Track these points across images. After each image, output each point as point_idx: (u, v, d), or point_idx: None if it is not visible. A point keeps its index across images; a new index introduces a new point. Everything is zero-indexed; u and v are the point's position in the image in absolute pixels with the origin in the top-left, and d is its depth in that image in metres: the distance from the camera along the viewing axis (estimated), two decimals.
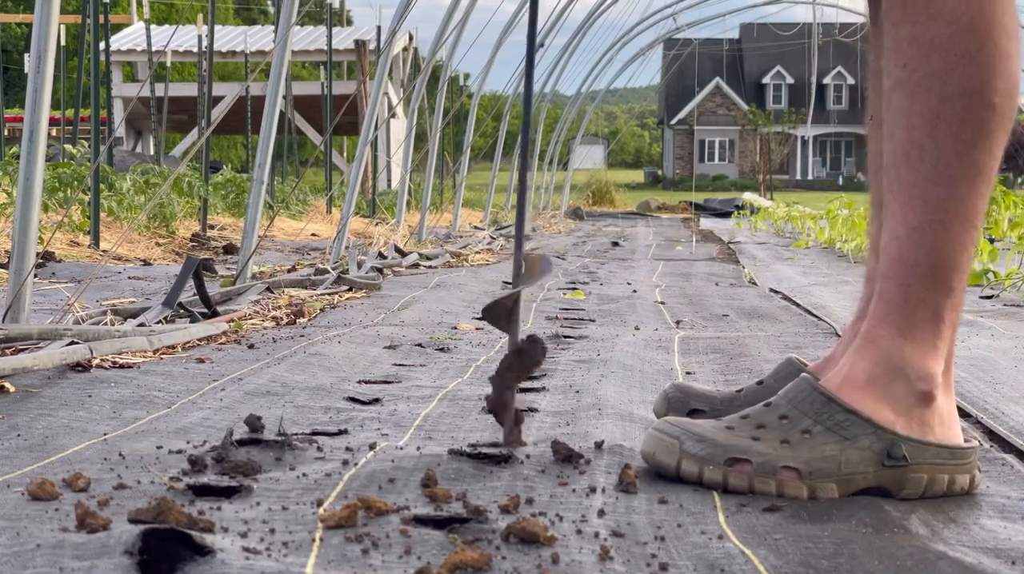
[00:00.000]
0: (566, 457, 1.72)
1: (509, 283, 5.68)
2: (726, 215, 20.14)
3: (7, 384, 2.32)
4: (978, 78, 1.64)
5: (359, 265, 5.85)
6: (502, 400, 1.78)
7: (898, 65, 1.68)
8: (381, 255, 6.97)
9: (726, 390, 2.02)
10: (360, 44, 19.18)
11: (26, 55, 18.97)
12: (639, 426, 2.07)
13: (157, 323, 3.39)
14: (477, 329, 3.67)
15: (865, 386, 1.68)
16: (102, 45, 8.02)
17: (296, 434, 1.88)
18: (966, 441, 1.70)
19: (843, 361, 1.74)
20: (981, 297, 5.09)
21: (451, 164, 16.35)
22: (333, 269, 5.48)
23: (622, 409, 2.24)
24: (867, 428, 1.64)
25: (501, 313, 1.81)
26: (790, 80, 58.33)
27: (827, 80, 57.61)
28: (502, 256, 8.36)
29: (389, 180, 19.98)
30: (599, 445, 1.82)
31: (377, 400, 2.33)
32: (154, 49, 14.55)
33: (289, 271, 5.75)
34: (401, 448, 1.80)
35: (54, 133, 13.73)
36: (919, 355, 1.67)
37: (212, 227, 9.25)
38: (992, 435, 2.08)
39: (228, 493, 1.53)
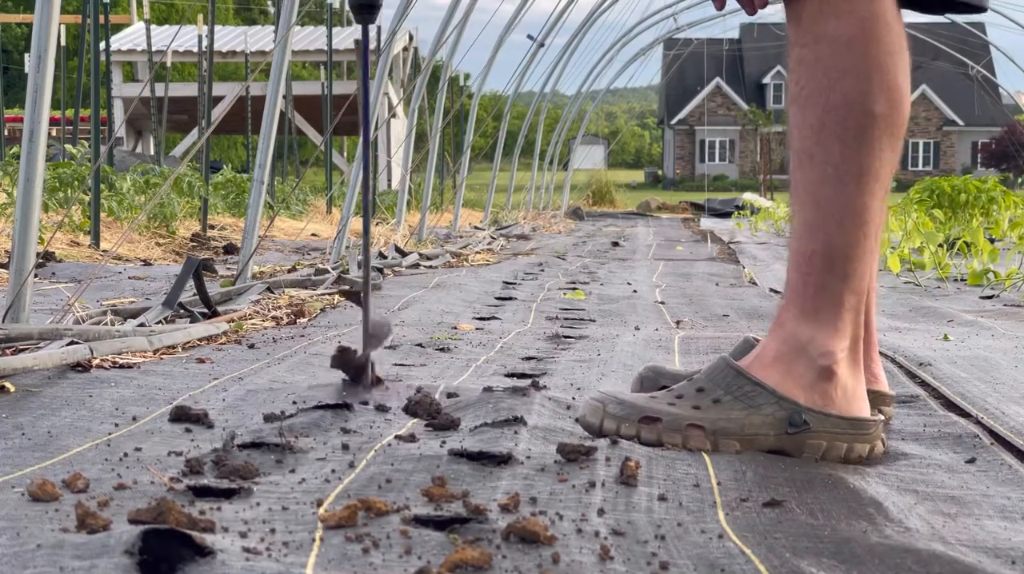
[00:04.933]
0: (567, 456, 1.72)
1: (508, 283, 5.68)
2: (726, 215, 20.11)
3: (8, 384, 2.33)
4: (857, 90, 1.85)
5: (359, 265, 5.85)
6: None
7: (792, 82, 1.92)
8: (381, 255, 6.97)
9: (694, 369, 2.17)
10: (360, 44, 19.15)
11: (26, 55, 18.96)
12: None
13: (157, 323, 3.39)
14: (477, 329, 3.67)
15: (772, 363, 1.89)
16: (102, 45, 8.02)
17: (303, 411, 1.89)
18: (872, 415, 1.90)
19: (760, 343, 1.97)
20: (981, 297, 5.08)
21: (451, 164, 16.35)
22: (333, 269, 5.48)
23: None
24: (770, 398, 1.86)
25: (351, 366, 2.33)
26: None
27: None
28: (502, 256, 8.36)
29: (389, 180, 19.97)
30: (599, 445, 1.82)
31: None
32: (154, 49, 14.55)
33: (289, 271, 5.75)
34: (402, 444, 1.80)
35: (54, 133, 13.72)
36: (821, 335, 1.87)
37: (212, 227, 9.25)
38: (992, 435, 2.08)
39: (228, 494, 1.53)
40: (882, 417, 1.93)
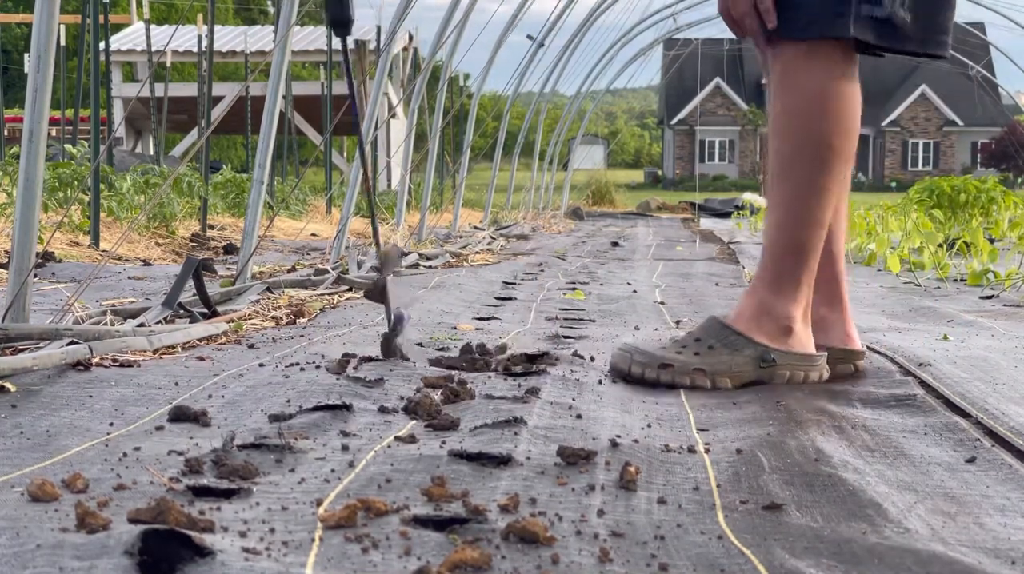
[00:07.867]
0: (567, 458, 1.72)
1: (508, 283, 5.68)
2: (726, 215, 20.09)
3: (8, 384, 2.33)
4: (821, 131, 2.51)
5: (359, 265, 5.85)
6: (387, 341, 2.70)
7: (771, 117, 2.59)
8: None
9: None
10: (360, 44, 19.17)
11: (26, 55, 18.95)
12: (640, 424, 2.07)
13: (157, 323, 3.39)
14: (477, 329, 3.67)
15: (748, 320, 2.56)
16: (102, 45, 8.02)
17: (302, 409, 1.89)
18: (818, 351, 2.58)
19: (736, 305, 2.62)
20: (981, 297, 5.08)
21: (451, 164, 16.34)
22: (333, 269, 5.48)
23: (622, 408, 2.24)
24: (748, 343, 2.54)
25: (377, 293, 2.69)
26: None
27: None
28: (502, 256, 8.36)
29: (389, 180, 19.96)
30: (599, 448, 1.82)
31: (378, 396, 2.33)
32: (154, 49, 14.55)
33: (289, 271, 5.74)
34: (402, 445, 1.80)
35: (54, 133, 13.71)
36: (783, 303, 2.56)
37: (212, 227, 9.25)
38: (992, 435, 2.08)
39: (228, 494, 1.53)
40: (825, 353, 2.60)
